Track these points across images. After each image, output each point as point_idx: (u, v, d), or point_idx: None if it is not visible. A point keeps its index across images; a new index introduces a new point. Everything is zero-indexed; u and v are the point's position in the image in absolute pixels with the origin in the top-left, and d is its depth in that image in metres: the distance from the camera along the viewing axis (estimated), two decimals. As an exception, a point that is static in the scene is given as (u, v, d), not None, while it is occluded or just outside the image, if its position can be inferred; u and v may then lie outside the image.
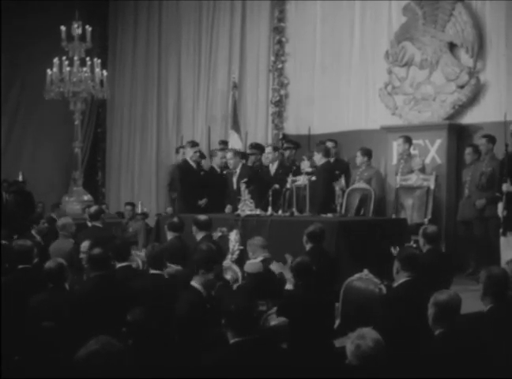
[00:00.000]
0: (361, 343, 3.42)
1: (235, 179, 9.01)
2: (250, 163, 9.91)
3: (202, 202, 9.56)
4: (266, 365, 3.66)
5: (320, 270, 5.60)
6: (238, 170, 9.04)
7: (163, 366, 3.85)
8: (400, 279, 5.13)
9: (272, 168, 9.37)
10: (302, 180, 8.76)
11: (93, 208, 8.35)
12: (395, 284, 5.23)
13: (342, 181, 9.13)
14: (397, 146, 9.55)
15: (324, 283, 5.55)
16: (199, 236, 6.96)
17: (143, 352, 3.74)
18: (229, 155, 9.24)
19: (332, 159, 9.70)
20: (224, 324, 3.82)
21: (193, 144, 10.18)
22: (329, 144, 9.73)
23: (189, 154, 10.05)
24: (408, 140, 9.37)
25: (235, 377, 3.59)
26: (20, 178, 11.59)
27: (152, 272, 5.62)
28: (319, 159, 8.55)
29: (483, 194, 8.62)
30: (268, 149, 9.36)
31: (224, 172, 9.67)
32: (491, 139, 8.72)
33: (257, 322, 4.16)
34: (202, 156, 10.43)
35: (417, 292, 4.88)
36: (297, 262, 5.40)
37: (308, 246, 6.37)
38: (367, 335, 3.46)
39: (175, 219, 7.27)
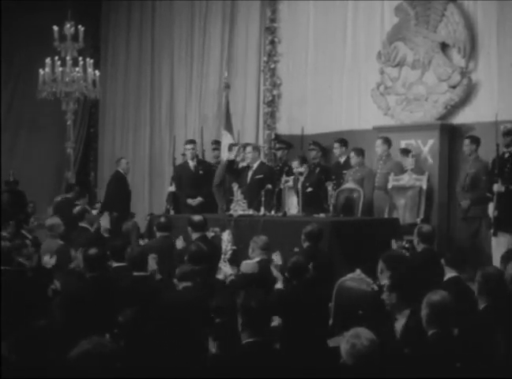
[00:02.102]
0: (356, 342, 3.43)
1: (250, 174, 8.97)
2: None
3: (193, 201, 9.48)
4: (278, 367, 3.64)
5: (316, 269, 5.62)
6: (255, 166, 9.01)
7: (158, 367, 3.86)
8: (385, 279, 5.16)
9: (253, 168, 9.25)
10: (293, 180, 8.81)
11: (77, 209, 8.29)
12: (379, 284, 5.27)
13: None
14: (376, 147, 9.55)
15: (320, 283, 5.57)
16: (194, 236, 6.98)
17: (135, 353, 3.74)
18: (248, 149, 9.20)
19: (342, 160, 9.74)
20: (242, 323, 3.76)
21: (187, 141, 10.15)
22: (336, 145, 9.75)
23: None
24: (386, 142, 9.39)
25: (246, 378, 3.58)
26: (11, 178, 11.58)
27: (135, 274, 5.60)
28: (296, 166, 8.57)
29: (467, 195, 8.71)
30: (248, 149, 9.28)
31: (240, 166, 9.60)
32: (474, 140, 8.79)
33: (270, 322, 4.13)
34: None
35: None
36: (292, 262, 5.41)
37: (305, 245, 6.41)
38: (361, 335, 3.47)
39: (162, 219, 7.28)
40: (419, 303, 4.14)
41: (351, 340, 3.44)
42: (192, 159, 9.64)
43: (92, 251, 5.43)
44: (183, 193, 9.67)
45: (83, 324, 4.64)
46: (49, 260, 6.96)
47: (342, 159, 9.76)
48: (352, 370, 3.40)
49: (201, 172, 9.61)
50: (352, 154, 9.38)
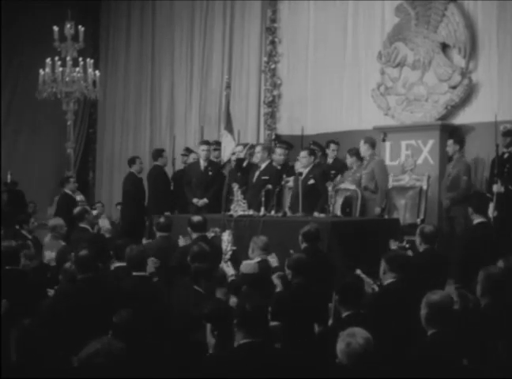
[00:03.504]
0: (351, 340, 3.45)
1: (257, 173, 9.03)
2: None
3: (197, 201, 9.54)
4: (273, 368, 3.64)
5: (314, 270, 5.61)
6: (263, 166, 9.08)
7: (156, 368, 3.85)
8: (387, 280, 5.17)
9: (261, 168, 9.31)
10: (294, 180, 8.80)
11: (77, 209, 8.29)
12: (380, 285, 5.28)
13: (337, 180, 9.17)
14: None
15: (318, 283, 5.55)
16: (193, 236, 6.98)
17: (132, 353, 3.73)
18: (257, 148, 9.30)
19: (330, 161, 9.73)
20: (236, 324, 3.78)
21: (202, 142, 10.27)
22: (332, 146, 9.76)
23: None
24: (368, 141, 9.28)
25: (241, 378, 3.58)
26: (9, 179, 11.56)
27: (135, 273, 5.57)
28: (304, 156, 8.55)
29: (448, 195, 8.76)
30: (257, 148, 9.36)
31: (244, 165, 9.66)
32: (458, 140, 8.87)
33: (268, 323, 4.13)
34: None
35: (404, 293, 4.92)
36: (293, 259, 5.41)
37: (303, 246, 6.38)
38: (357, 334, 3.49)
39: (162, 219, 7.26)
40: None
41: (346, 339, 3.46)
42: (205, 159, 9.75)
43: (83, 252, 5.34)
44: (191, 192, 9.73)
45: (75, 325, 4.63)
46: (50, 255, 6.98)
47: (330, 160, 9.76)
48: (348, 369, 3.40)
49: (210, 173, 9.69)
50: (347, 155, 9.36)
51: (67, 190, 10.36)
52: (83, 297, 5.05)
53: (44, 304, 5.14)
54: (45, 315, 4.76)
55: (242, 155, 9.96)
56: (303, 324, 4.85)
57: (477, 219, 6.61)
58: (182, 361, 4.22)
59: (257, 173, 9.05)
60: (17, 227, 8.49)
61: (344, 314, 4.36)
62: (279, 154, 9.47)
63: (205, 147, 9.86)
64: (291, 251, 6.38)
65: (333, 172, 9.33)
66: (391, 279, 5.14)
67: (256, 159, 9.28)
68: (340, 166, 9.55)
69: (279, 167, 9.30)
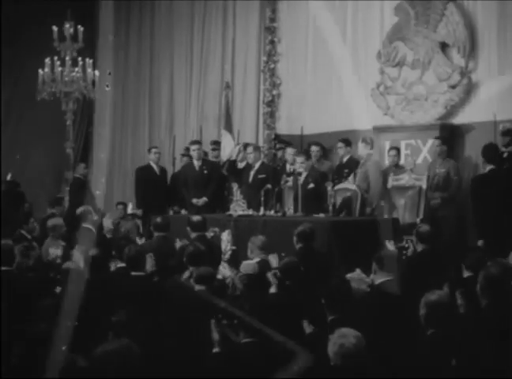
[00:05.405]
0: (344, 341, 3.42)
1: (252, 173, 9.06)
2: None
3: (197, 201, 9.53)
4: (275, 366, 3.64)
5: (310, 270, 5.60)
6: (257, 166, 9.13)
7: (157, 367, 3.85)
8: (378, 279, 5.17)
9: (255, 168, 9.30)
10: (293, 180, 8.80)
11: (80, 209, 8.28)
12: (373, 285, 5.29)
13: (349, 179, 9.14)
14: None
15: (314, 283, 5.54)
16: (192, 236, 6.98)
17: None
18: (249, 149, 9.34)
19: (344, 159, 9.65)
20: (238, 323, 3.77)
21: (192, 142, 10.22)
22: (340, 145, 9.65)
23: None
24: (364, 140, 9.14)
25: (242, 377, 3.58)
26: (9, 178, 11.55)
27: (134, 273, 5.58)
28: (302, 161, 8.55)
29: (436, 194, 8.76)
30: (249, 149, 9.36)
31: (243, 166, 9.67)
32: (446, 140, 8.87)
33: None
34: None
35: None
36: (284, 263, 5.39)
37: (298, 246, 6.37)
38: (347, 334, 3.47)
39: (159, 219, 7.25)
40: None
41: (338, 341, 3.43)
42: (198, 159, 9.73)
43: (94, 252, 5.40)
44: (189, 192, 9.73)
45: (86, 324, 4.62)
46: (55, 252, 6.98)
47: (345, 159, 9.67)
48: (346, 370, 3.38)
49: (205, 172, 9.66)
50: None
51: (151, 161, 10.48)
52: (94, 296, 5.05)
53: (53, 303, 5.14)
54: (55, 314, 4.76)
55: (234, 156, 9.97)
56: (297, 325, 4.83)
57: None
58: (182, 360, 4.23)
59: (251, 173, 9.05)
60: (18, 226, 8.47)
61: (331, 318, 4.32)
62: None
63: (195, 146, 9.82)
64: (282, 254, 6.36)
65: (346, 171, 9.27)
66: (381, 278, 5.14)
67: (249, 159, 9.26)
68: (354, 165, 9.45)
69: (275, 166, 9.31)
